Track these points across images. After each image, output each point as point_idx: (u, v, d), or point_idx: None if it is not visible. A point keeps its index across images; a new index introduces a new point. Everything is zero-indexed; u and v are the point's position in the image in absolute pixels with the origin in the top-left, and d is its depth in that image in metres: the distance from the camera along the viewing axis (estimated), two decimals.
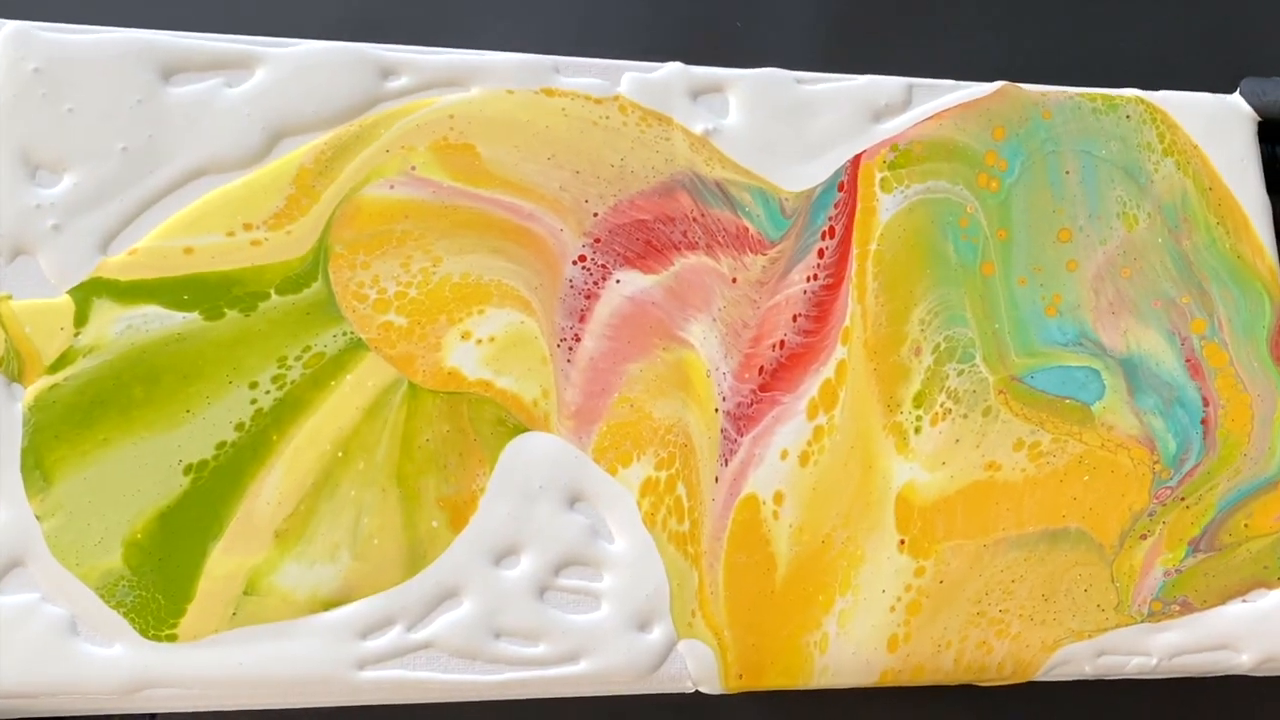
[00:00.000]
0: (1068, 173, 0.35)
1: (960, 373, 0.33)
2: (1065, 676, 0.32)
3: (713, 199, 0.32)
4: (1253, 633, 0.32)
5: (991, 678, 0.32)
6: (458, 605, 0.29)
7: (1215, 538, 0.33)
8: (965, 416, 0.33)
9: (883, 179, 0.33)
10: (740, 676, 0.30)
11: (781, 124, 0.33)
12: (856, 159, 0.33)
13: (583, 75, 0.32)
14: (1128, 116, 0.36)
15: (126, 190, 0.29)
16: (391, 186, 0.30)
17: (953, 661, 0.31)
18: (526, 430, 0.30)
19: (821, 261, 0.33)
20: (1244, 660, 0.32)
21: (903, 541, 0.31)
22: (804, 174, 0.33)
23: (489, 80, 0.32)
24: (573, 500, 0.30)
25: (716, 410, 0.31)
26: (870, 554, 0.31)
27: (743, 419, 0.31)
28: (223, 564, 0.28)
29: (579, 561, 0.30)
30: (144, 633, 0.27)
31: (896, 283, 0.33)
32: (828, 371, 0.32)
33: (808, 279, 0.33)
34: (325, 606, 0.28)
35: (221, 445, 0.29)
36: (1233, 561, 0.33)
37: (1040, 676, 0.32)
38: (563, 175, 0.31)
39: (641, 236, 0.32)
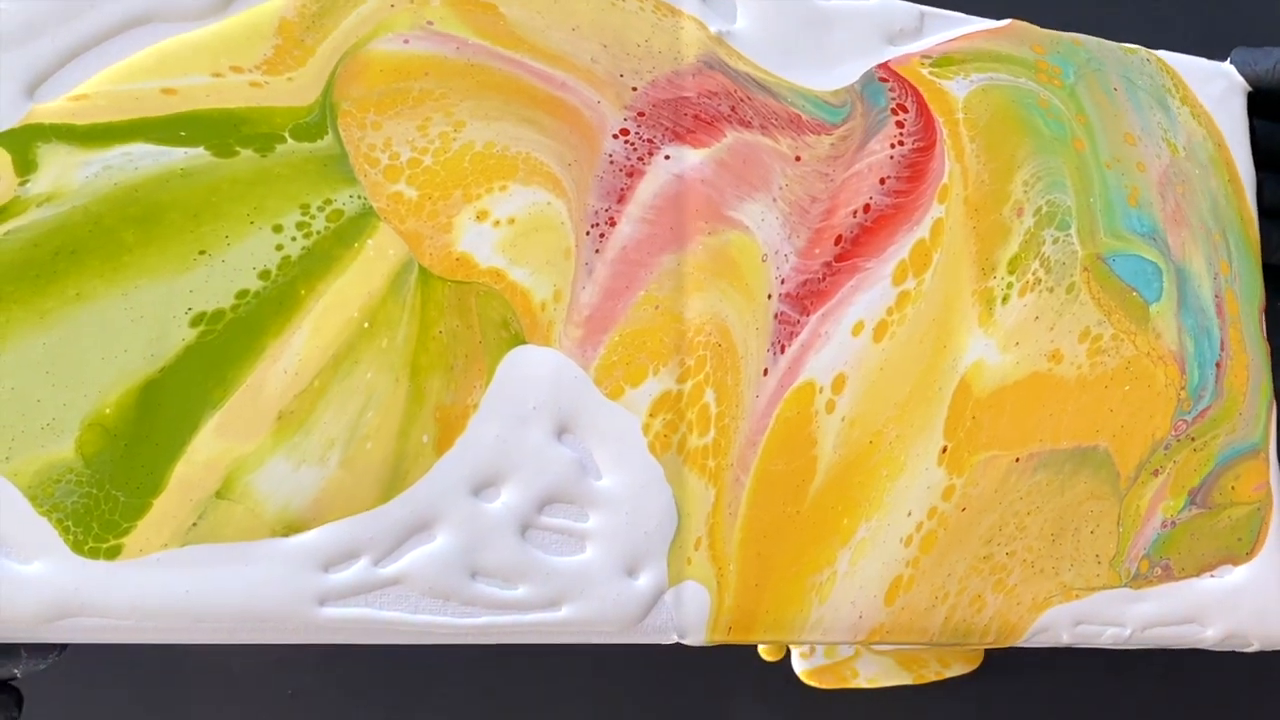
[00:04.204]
0: (1115, 89, 0.34)
1: (1055, 240, 0.32)
2: (1044, 644, 0.31)
3: (752, 86, 0.30)
4: (1220, 606, 0.32)
5: (974, 642, 0.31)
6: (430, 539, 0.26)
7: (1210, 494, 0.33)
8: (1051, 290, 0.31)
9: (931, 72, 0.32)
10: (730, 629, 0.28)
11: (795, 33, 0.30)
12: (885, 64, 0.31)
13: None
14: (1147, 60, 0.35)
15: (60, 26, 0.24)
16: (406, 41, 0.26)
17: (941, 620, 0.30)
18: (526, 342, 0.26)
19: (904, 130, 0.31)
20: (1209, 635, 0.32)
21: (945, 449, 0.30)
22: (830, 79, 0.31)
23: None
24: (567, 428, 0.27)
25: (770, 296, 0.29)
26: (910, 462, 0.30)
27: (810, 297, 0.29)
28: (209, 446, 0.24)
29: (568, 499, 0.27)
30: (77, 548, 0.23)
31: (996, 145, 0.31)
32: (921, 231, 0.30)
33: (892, 145, 0.30)
34: (289, 529, 0.24)
35: (243, 294, 0.24)
36: (1216, 526, 0.33)
37: (1023, 642, 0.31)
38: (591, 47, 0.28)
39: (689, 111, 0.29)
